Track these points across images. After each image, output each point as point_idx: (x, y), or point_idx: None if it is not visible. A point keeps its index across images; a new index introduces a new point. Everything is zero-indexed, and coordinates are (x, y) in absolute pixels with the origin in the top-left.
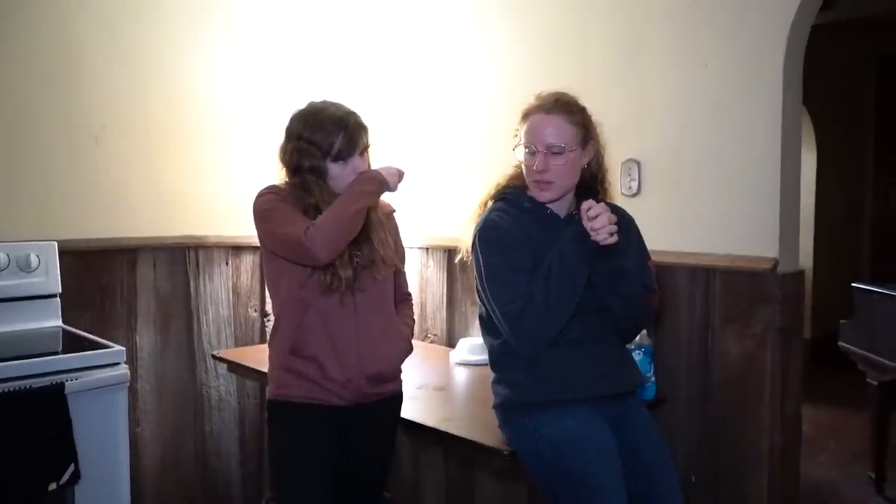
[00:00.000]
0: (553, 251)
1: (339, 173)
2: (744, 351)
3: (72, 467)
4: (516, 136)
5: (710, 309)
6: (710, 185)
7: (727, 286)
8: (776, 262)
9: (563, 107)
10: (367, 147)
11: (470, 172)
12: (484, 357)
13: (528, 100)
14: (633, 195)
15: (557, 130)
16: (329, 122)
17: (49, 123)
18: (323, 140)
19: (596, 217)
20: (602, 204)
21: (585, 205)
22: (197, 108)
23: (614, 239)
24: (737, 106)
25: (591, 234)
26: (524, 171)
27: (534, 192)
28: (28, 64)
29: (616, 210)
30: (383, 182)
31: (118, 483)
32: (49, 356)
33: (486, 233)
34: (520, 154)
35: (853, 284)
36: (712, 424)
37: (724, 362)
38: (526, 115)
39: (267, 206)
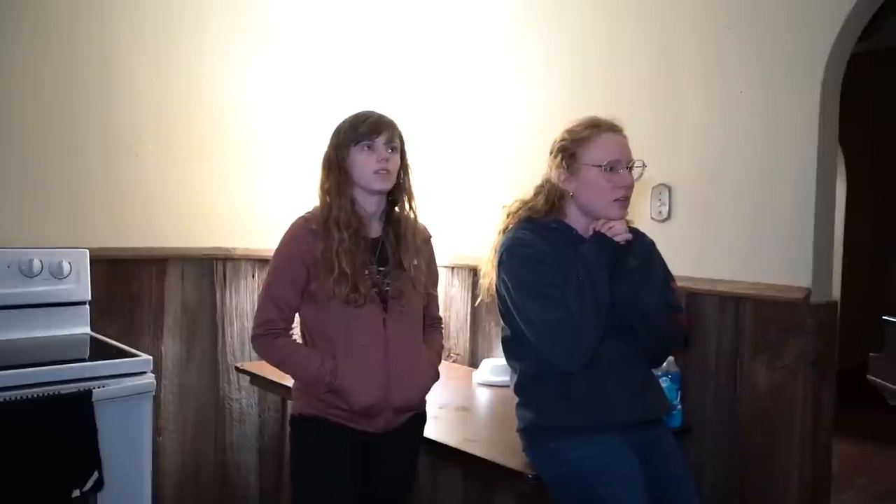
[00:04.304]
0: (577, 262)
1: (363, 160)
2: (774, 382)
3: (95, 474)
4: (559, 157)
5: (740, 338)
6: (742, 212)
7: (758, 315)
8: (809, 293)
9: (621, 129)
10: (396, 146)
11: (497, 193)
12: (506, 378)
13: (563, 120)
14: (664, 220)
15: (630, 150)
16: (361, 115)
17: (87, 134)
18: (351, 128)
19: (610, 223)
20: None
21: (598, 222)
22: (229, 124)
23: (629, 235)
24: (771, 133)
25: (608, 232)
26: (595, 189)
27: (612, 210)
28: (70, 76)
29: (636, 233)
30: (309, 384)
31: (140, 492)
32: (77, 363)
33: (517, 249)
34: (588, 174)
35: (884, 317)
36: (740, 455)
37: (753, 393)
38: (587, 138)
39: (275, 256)
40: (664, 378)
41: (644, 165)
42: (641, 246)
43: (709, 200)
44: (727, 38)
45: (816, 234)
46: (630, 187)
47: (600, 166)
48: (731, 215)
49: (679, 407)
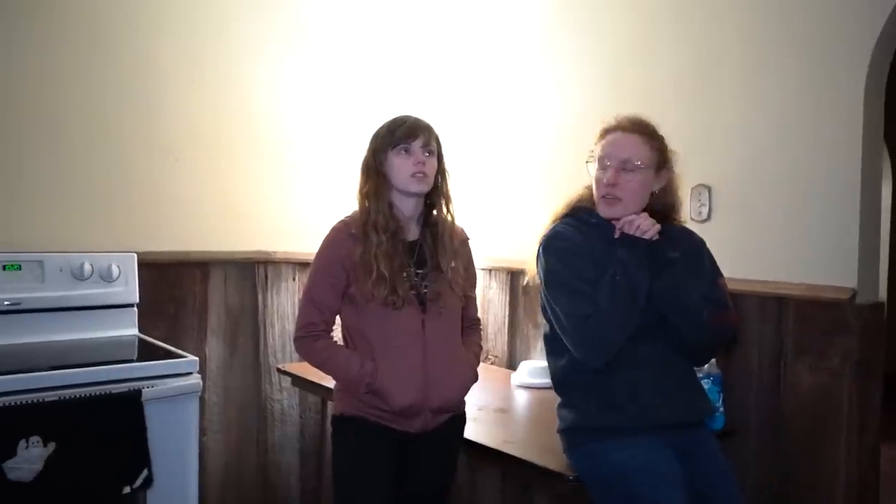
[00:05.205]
0: (613, 261)
1: (401, 164)
2: (818, 383)
3: (145, 472)
4: (591, 154)
5: (783, 339)
6: (784, 211)
7: (801, 316)
8: (854, 293)
9: (642, 128)
10: (433, 149)
11: (534, 194)
12: (544, 381)
13: (597, 121)
14: (704, 221)
15: (633, 148)
16: (397, 119)
17: (132, 142)
18: (389, 133)
19: (633, 222)
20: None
21: (623, 220)
22: (268, 129)
23: (658, 227)
24: (814, 131)
25: (639, 234)
26: (594, 185)
27: (600, 207)
28: (114, 87)
29: (687, 233)
30: (349, 385)
31: (187, 490)
32: (127, 363)
33: (552, 242)
34: (592, 170)
35: None
36: (783, 458)
37: (797, 394)
38: (604, 133)
39: (315, 259)
40: (706, 380)
41: (588, 161)
42: (690, 244)
43: (750, 200)
44: (766, 33)
45: (862, 234)
46: (609, 185)
47: (597, 164)
48: (773, 215)
49: (721, 409)
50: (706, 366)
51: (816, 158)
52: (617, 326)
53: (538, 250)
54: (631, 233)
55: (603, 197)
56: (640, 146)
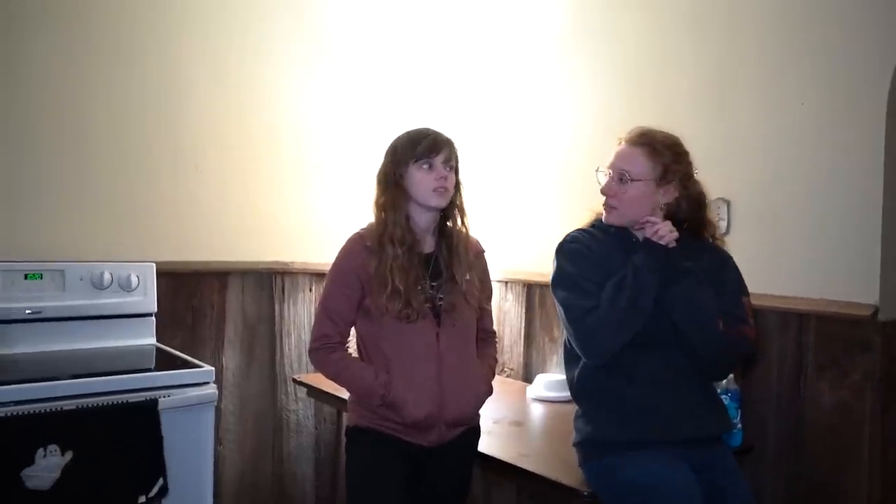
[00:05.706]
0: (627, 265)
1: (422, 178)
2: (839, 400)
3: (161, 481)
4: None
5: (803, 355)
6: (804, 226)
7: (821, 332)
8: (876, 309)
9: (647, 140)
10: (453, 165)
11: (549, 206)
12: (561, 394)
13: (614, 132)
14: (723, 234)
15: (630, 160)
16: (419, 133)
17: (153, 152)
18: (411, 146)
19: (655, 225)
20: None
21: (645, 219)
22: (288, 140)
23: (675, 234)
24: (835, 143)
25: (656, 239)
26: None
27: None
28: (140, 97)
29: (713, 248)
30: (363, 397)
31: (202, 499)
32: (144, 373)
33: (565, 245)
34: (601, 177)
35: None
36: (803, 476)
37: (818, 411)
38: (618, 143)
39: (330, 271)
40: (724, 395)
41: (597, 170)
42: (712, 258)
43: (769, 214)
44: (787, 46)
45: (884, 249)
46: (603, 194)
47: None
48: (793, 229)
49: (739, 425)
50: (724, 381)
51: (838, 172)
52: (616, 322)
53: (554, 255)
54: (648, 236)
55: (603, 204)
56: (638, 158)
